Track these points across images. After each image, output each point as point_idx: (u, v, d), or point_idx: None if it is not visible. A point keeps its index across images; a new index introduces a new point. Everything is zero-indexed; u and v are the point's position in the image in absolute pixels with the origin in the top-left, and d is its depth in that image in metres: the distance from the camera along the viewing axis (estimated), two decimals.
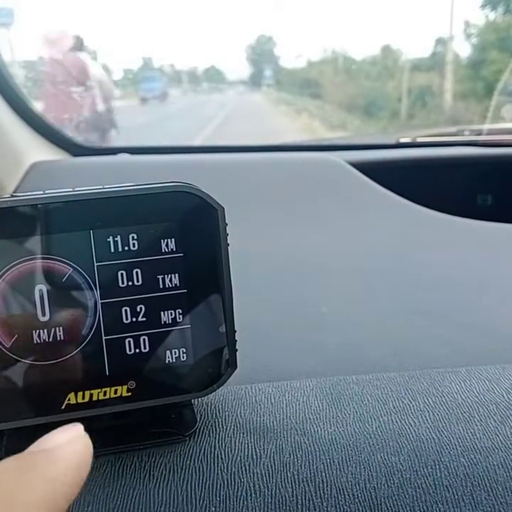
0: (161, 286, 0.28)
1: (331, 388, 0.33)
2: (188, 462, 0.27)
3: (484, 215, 0.74)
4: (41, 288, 0.26)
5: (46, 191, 0.26)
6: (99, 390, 0.27)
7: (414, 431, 0.29)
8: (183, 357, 0.28)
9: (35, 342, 0.26)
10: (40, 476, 0.17)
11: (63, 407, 0.27)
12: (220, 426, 0.30)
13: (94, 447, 0.27)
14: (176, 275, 0.28)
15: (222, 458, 0.27)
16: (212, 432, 0.29)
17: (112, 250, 0.27)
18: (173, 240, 0.28)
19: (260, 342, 0.44)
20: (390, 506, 0.25)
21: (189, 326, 0.28)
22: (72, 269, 0.27)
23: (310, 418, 0.30)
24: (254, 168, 0.83)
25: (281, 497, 0.25)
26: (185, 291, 0.28)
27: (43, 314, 0.26)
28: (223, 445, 0.28)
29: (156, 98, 9.35)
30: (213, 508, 0.25)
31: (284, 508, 0.25)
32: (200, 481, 0.26)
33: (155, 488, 0.26)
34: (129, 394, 0.28)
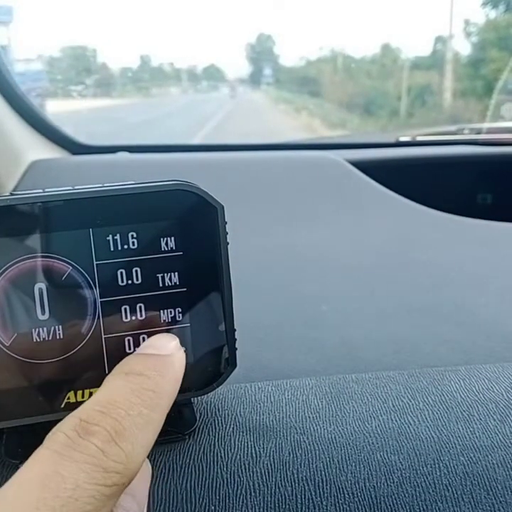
0: (161, 285, 0.28)
1: (331, 387, 0.33)
2: (188, 461, 0.27)
3: (484, 214, 0.74)
4: (41, 286, 0.26)
5: (46, 189, 0.26)
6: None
7: (414, 430, 0.29)
8: None
9: (34, 340, 0.26)
10: (171, 374, 0.23)
11: (63, 406, 0.27)
12: (220, 424, 0.30)
13: None
14: (176, 274, 0.28)
15: (221, 456, 0.27)
16: (212, 431, 0.29)
17: (112, 249, 0.27)
18: (172, 238, 0.28)
19: (260, 340, 0.44)
20: (390, 505, 0.25)
21: (188, 324, 0.28)
22: (71, 268, 0.27)
23: (309, 417, 0.30)
24: (253, 167, 0.83)
25: (281, 496, 0.25)
26: (185, 289, 0.28)
27: (43, 313, 0.26)
28: (223, 444, 0.28)
29: None
30: (213, 507, 0.25)
31: (284, 506, 0.25)
32: (200, 480, 0.26)
33: (154, 487, 0.26)
34: None
